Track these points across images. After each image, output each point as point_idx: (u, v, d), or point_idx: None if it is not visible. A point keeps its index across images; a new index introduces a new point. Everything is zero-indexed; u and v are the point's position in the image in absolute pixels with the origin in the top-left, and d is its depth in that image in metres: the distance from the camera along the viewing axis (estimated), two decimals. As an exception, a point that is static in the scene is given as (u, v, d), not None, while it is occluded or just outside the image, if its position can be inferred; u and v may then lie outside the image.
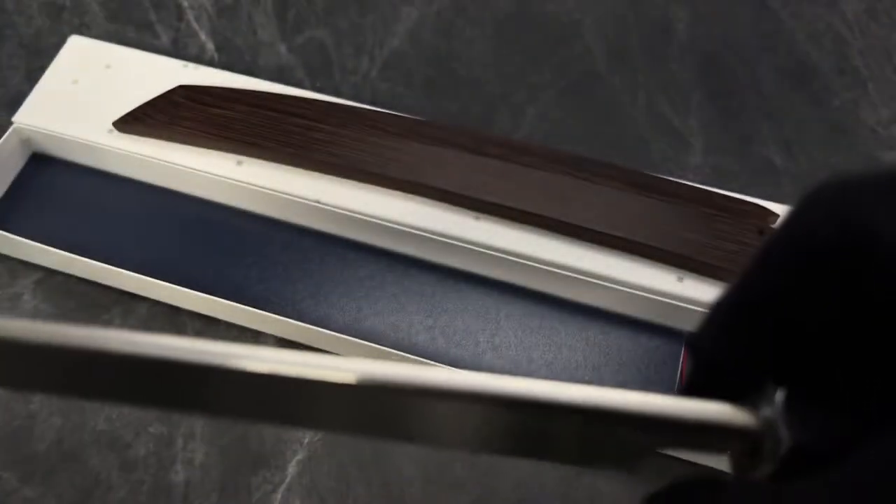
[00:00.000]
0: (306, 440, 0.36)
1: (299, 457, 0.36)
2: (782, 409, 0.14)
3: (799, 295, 0.14)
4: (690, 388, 0.16)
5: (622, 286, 0.37)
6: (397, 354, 0.36)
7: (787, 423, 0.14)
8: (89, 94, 0.42)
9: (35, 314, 0.39)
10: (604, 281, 0.37)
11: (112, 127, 0.40)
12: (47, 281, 0.40)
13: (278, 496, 0.35)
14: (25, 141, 0.42)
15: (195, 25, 0.49)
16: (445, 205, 0.38)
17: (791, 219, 0.14)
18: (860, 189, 0.13)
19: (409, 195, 0.39)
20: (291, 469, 0.36)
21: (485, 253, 0.38)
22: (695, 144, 0.45)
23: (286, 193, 0.39)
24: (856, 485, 0.11)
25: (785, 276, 0.14)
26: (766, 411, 0.14)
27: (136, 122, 0.40)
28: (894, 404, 0.13)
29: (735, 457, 0.15)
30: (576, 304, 0.39)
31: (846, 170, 0.13)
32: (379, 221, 0.38)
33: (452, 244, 0.38)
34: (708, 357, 0.16)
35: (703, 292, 0.36)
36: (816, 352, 0.14)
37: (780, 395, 0.15)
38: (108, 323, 0.39)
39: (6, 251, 0.40)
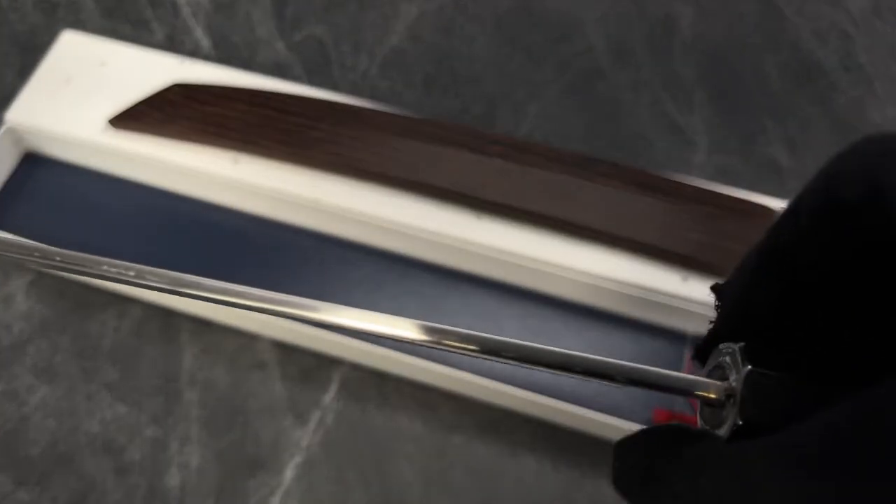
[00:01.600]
0: (304, 443, 0.36)
1: (297, 460, 0.35)
2: (743, 385, 0.15)
3: (820, 246, 0.14)
4: (714, 335, 0.17)
5: (625, 287, 0.36)
6: (397, 356, 0.35)
7: (743, 400, 0.15)
8: (83, 91, 0.41)
9: (28, 315, 0.39)
10: (606, 281, 0.36)
11: (107, 125, 0.40)
12: (40, 282, 0.40)
13: (276, 500, 0.35)
14: (17, 140, 0.41)
15: (191, 22, 0.48)
16: (446, 204, 0.38)
17: (823, 170, 0.14)
18: (893, 150, 0.13)
19: (409, 194, 0.38)
20: (289, 473, 0.35)
21: (486, 253, 0.37)
22: (699, 143, 0.44)
23: (284, 192, 0.38)
24: (783, 448, 0.12)
25: (810, 226, 0.14)
26: (732, 384, 0.16)
27: (132, 119, 0.39)
28: (860, 379, 0.13)
29: (704, 413, 0.17)
30: (578, 306, 0.38)
31: (884, 131, 0.13)
32: (379, 221, 0.38)
33: (452, 244, 0.37)
34: (734, 301, 0.16)
35: (708, 293, 0.36)
36: (814, 313, 0.15)
37: (745, 371, 0.15)
38: (102, 324, 0.39)
39: (-1, 251, 0.40)
